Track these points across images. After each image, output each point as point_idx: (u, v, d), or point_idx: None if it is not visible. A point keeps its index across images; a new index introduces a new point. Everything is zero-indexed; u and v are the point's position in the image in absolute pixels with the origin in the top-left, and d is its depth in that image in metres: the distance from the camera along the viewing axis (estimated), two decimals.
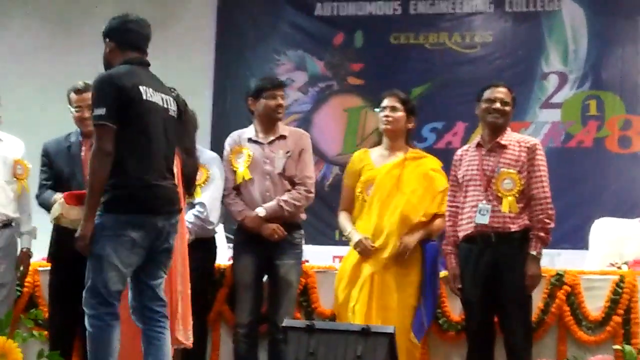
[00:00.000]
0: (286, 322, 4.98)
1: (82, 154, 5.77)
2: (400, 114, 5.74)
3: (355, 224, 5.70)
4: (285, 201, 5.76)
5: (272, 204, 5.75)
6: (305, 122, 9.45)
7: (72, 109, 5.83)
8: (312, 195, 5.90)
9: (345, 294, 5.58)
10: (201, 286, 5.80)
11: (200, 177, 5.78)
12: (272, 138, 5.90)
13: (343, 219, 5.83)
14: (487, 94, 5.57)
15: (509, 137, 5.52)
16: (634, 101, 9.15)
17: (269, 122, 5.92)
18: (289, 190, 5.81)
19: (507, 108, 5.55)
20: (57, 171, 5.77)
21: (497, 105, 5.52)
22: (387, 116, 5.75)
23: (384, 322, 5.27)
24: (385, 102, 5.77)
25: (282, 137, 5.92)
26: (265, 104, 5.87)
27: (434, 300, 5.67)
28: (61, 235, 5.64)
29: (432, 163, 5.82)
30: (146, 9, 9.70)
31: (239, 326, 5.72)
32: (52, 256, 5.81)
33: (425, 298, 5.60)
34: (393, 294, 5.49)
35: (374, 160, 5.78)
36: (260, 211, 5.72)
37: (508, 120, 5.59)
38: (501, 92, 5.57)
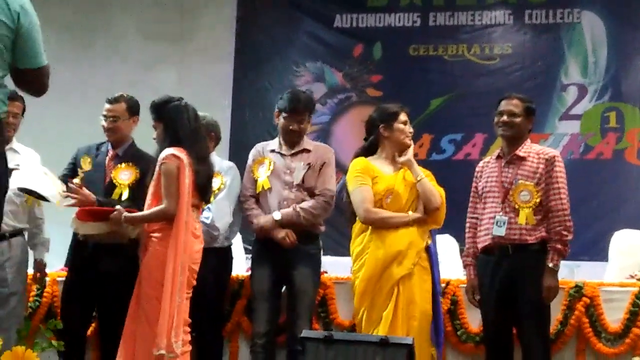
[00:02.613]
0: (304, 332, 4.96)
1: (107, 163, 5.86)
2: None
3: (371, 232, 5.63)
4: (302, 208, 5.76)
5: (288, 210, 5.75)
6: (324, 134, 9.48)
7: (102, 118, 5.92)
8: (331, 207, 5.87)
9: (367, 303, 5.45)
10: (216, 296, 5.84)
11: (216, 184, 5.83)
12: (294, 151, 5.92)
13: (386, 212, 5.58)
14: (499, 106, 5.57)
15: (528, 149, 5.50)
16: None
17: (286, 140, 5.94)
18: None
19: (517, 119, 5.50)
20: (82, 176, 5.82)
21: (504, 118, 5.51)
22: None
23: (409, 332, 5.23)
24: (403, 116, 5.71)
25: (305, 150, 5.93)
26: (282, 123, 5.90)
27: (439, 307, 5.64)
28: (76, 242, 5.78)
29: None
30: (165, 23, 9.83)
31: (256, 336, 5.70)
32: (68, 263, 5.90)
33: (436, 304, 5.56)
34: (416, 303, 5.39)
35: (382, 169, 5.66)
36: (276, 215, 5.73)
37: (520, 131, 5.53)
38: (510, 104, 5.54)
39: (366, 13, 9.77)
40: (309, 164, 5.87)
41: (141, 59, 9.72)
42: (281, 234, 5.70)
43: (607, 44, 9.29)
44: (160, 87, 9.48)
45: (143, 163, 5.77)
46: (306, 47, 9.86)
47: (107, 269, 5.63)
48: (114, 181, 5.77)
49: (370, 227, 5.51)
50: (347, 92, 9.76)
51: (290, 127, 5.88)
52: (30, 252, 5.97)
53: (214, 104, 9.05)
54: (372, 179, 5.58)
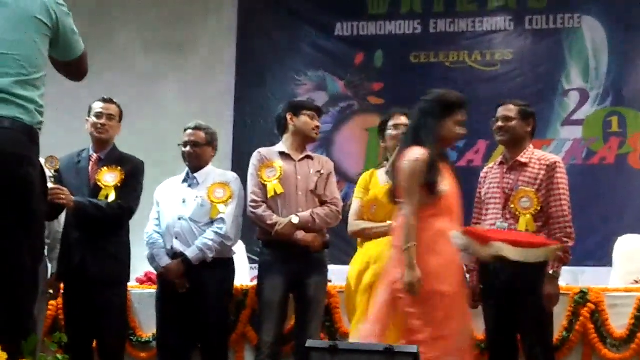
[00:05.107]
0: (309, 342, 4.95)
1: (90, 168, 5.88)
2: None
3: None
4: (318, 214, 5.77)
5: (305, 214, 5.76)
6: (326, 142, 9.47)
7: (92, 116, 5.96)
8: (341, 217, 5.92)
9: (349, 312, 5.54)
10: (221, 306, 5.85)
11: (224, 195, 5.84)
12: (302, 156, 5.93)
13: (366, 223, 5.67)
14: (496, 113, 5.59)
15: (530, 155, 5.50)
16: None
17: (303, 140, 5.97)
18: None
19: (512, 123, 5.51)
20: (66, 186, 5.80)
21: (499, 123, 5.54)
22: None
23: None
24: (403, 119, 5.72)
25: (310, 157, 5.96)
26: (305, 121, 5.91)
27: None
28: (62, 252, 5.81)
29: None
30: (166, 34, 9.83)
31: (263, 346, 5.68)
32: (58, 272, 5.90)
33: None
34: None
35: (379, 179, 5.73)
36: (294, 218, 5.72)
37: (517, 134, 5.52)
38: (505, 109, 5.57)
39: (367, 21, 9.76)
40: (319, 171, 5.89)
41: (142, 70, 9.71)
42: (308, 237, 5.71)
43: (607, 48, 9.25)
44: (161, 98, 9.55)
45: (128, 165, 5.85)
46: (307, 56, 9.85)
47: (95, 275, 5.66)
48: (99, 184, 5.77)
49: (358, 240, 5.69)
50: (348, 100, 9.74)
51: (319, 124, 5.95)
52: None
53: (216, 114, 9.06)
54: (368, 190, 5.72)
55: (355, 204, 5.74)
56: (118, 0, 10.03)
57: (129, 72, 9.69)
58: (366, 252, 5.53)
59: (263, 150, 6.02)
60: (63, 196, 5.52)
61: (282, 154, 5.92)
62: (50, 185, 5.34)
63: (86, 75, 4.04)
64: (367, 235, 5.59)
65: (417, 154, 4.84)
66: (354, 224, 5.68)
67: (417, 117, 5.05)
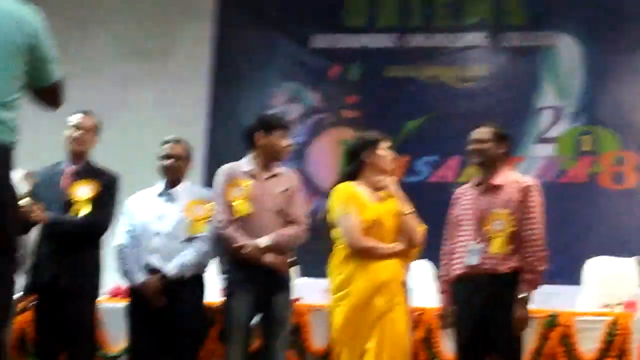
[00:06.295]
0: None
1: (64, 181, 5.82)
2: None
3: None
4: (284, 235, 5.74)
5: (272, 235, 5.69)
6: (299, 154, 9.44)
7: (69, 129, 5.92)
8: (306, 234, 5.88)
9: (350, 333, 5.31)
10: (195, 325, 5.82)
11: (205, 212, 5.82)
12: (268, 174, 5.86)
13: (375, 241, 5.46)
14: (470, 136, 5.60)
15: (505, 177, 5.47)
16: (629, 137, 9.16)
17: (271, 159, 5.87)
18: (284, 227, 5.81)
19: (485, 145, 5.49)
20: (41, 199, 5.75)
21: (472, 146, 5.54)
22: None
23: None
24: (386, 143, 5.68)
25: (277, 174, 5.90)
26: (276, 141, 5.83)
27: None
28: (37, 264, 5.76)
29: None
30: (142, 41, 9.81)
31: None
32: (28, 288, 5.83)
33: None
34: (401, 337, 5.29)
35: (366, 197, 5.50)
36: (262, 242, 5.66)
37: (490, 157, 5.49)
38: (479, 132, 5.55)
39: (343, 33, 9.76)
40: (286, 189, 5.85)
41: (116, 77, 9.68)
42: (277, 261, 5.68)
43: (582, 67, 9.33)
44: (135, 105, 9.52)
45: (103, 179, 5.81)
46: (282, 68, 9.84)
47: (65, 288, 5.62)
48: (71, 198, 5.73)
49: (354, 256, 5.38)
50: (323, 113, 9.74)
51: (288, 144, 5.91)
52: None
53: (189, 124, 9.04)
54: (359, 206, 5.46)
55: (350, 219, 5.40)
56: (94, 7, 9.98)
57: (103, 78, 9.65)
58: (375, 273, 5.34)
59: (227, 168, 5.92)
60: (36, 213, 5.47)
61: (249, 172, 5.85)
62: (25, 200, 5.33)
63: (61, 106, 3.92)
64: (374, 254, 5.39)
65: None
66: (361, 240, 5.36)
67: None
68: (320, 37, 9.79)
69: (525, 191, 5.41)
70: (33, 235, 5.82)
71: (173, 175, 6.03)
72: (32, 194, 5.53)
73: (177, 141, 6.07)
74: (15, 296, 5.65)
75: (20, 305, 6.00)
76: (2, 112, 3.56)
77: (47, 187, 5.78)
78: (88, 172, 5.85)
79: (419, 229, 5.50)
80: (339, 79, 9.73)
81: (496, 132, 5.54)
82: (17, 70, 3.64)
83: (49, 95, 3.84)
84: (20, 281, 5.79)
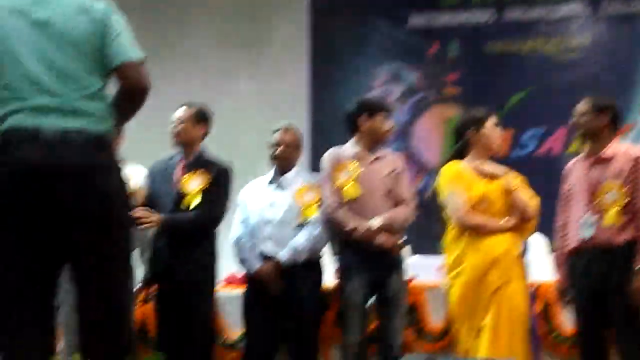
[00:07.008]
0: (408, 358, 4.95)
1: (176, 173, 5.93)
2: None
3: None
4: (395, 217, 5.78)
5: (383, 217, 5.74)
6: (403, 134, 9.45)
7: (172, 124, 6.03)
8: (415, 214, 5.93)
9: (466, 311, 5.38)
10: (311, 310, 5.87)
11: (314, 197, 5.87)
12: (373, 157, 5.91)
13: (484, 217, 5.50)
14: None
15: (615, 148, 5.41)
16: None
17: (375, 142, 5.92)
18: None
19: (584, 118, 5.45)
20: (155, 192, 5.90)
21: (573, 119, 5.50)
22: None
23: (512, 342, 5.22)
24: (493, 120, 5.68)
25: (382, 157, 5.94)
26: (379, 124, 5.88)
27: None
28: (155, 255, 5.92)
29: None
30: (239, 31, 9.87)
31: (349, 347, 5.70)
32: None
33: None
34: (519, 312, 5.34)
35: (474, 175, 5.56)
36: (373, 223, 5.71)
37: (592, 129, 5.44)
38: (579, 106, 5.51)
39: (440, 11, 9.71)
40: (392, 170, 5.87)
41: (218, 68, 9.77)
42: (389, 242, 5.73)
43: None
44: (237, 96, 9.61)
45: (213, 170, 5.88)
46: (381, 48, 9.82)
47: (182, 280, 5.78)
48: (184, 190, 5.83)
49: (466, 233, 5.44)
50: (424, 91, 9.71)
51: (392, 126, 5.97)
52: None
53: (292, 110, 9.09)
54: (466, 184, 5.51)
55: (457, 197, 5.46)
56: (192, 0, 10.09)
57: (205, 70, 9.75)
58: (488, 249, 5.38)
59: (333, 152, 5.97)
60: (148, 220, 5.61)
61: (355, 156, 5.89)
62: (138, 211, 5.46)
63: (147, 89, 3.72)
64: (483, 230, 5.43)
65: None
66: (469, 218, 5.43)
67: None
68: (417, 16, 9.75)
69: (637, 161, 5.33)
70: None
71: (283, 163, 6.09)
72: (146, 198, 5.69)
73: (286, 129, 6.12)
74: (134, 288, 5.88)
75: (140, 297, 6.12)
76: (89, 104, 3.58)
77: (161, 180, 5.90)
78: (199, 163, 5.93)
79: (532, 202, 5.49)
80: (439, 56, 9.68)
81: (594, 104, 5.46)
82: (95, 60, 3.63)
83: (131, 74, 3.68)
84: (140, 272, 5.95)
